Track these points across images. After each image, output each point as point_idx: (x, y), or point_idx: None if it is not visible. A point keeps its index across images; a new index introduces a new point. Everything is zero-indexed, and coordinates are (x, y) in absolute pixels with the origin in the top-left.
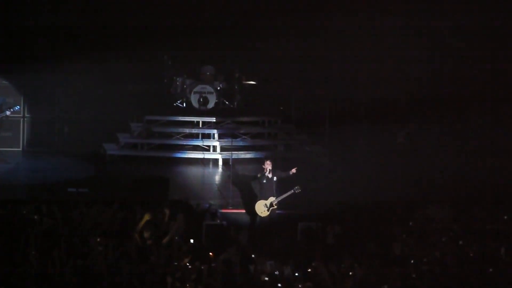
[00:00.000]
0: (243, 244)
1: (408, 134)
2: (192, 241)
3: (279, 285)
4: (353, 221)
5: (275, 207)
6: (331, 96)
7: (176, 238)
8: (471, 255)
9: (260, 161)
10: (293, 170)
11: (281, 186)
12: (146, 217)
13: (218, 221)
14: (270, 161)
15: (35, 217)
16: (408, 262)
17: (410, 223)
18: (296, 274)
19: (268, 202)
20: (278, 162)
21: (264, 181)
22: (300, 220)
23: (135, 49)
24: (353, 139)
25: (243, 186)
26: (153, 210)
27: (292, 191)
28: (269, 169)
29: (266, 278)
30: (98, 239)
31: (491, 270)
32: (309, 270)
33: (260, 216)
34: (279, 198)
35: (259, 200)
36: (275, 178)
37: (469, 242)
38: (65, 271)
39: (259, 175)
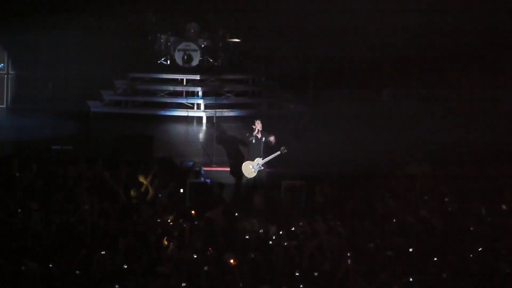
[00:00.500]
0: (226, 202)
1: (392, 93)
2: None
3: (263, 243)
4: (336, 181)
5: (262, 168)
6: (316, 54)
7: (160, 195)
8: (453, 212)
9: (243, 119)
10: (271, 138)
11: (267, 147)
12: (141, 179)
13: (202, 179)
14: (260, 120)
15: (17, 174)
16: (391, 221)
17: (393, 182)
18: (281, 232)
19: (255, 163)
20: (263, 121)
21: (253, 141)
22: (283, 179)
23: (119, 5)
24: (337, 98)
25: (228, 144)
26: (136, 168)
27: (279, 152)
28: (259, 129)
29: (247, 237)
30: (82, 196)
31: (472, 228)
32: (293, 228)
33: (246, 177)
34: (266, 159)
35: (246, 160)
36: (263, 139)
37: (452, 200)
38: (49, 228)
39: (247, 134)
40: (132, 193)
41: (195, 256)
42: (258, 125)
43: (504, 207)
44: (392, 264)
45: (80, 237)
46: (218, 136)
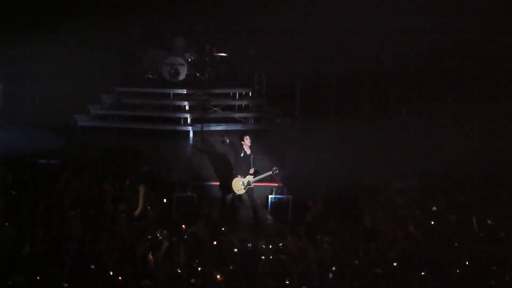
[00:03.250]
0: (213, 217)
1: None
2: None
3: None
4: (324, 196)
5: (252, 186)
6: (303, 69)
7: (148, 208)
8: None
9: (230, 134)
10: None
11: (258, 164)
12: (142, 189)
13: (189, 193)
14: (250, 136)
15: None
16: (378, 236)
17: (380, 197)
18: (270, 246)
19: (245, 180)
20: (251, 135)
21: (242, 155)
22: (270, 193)
23: (107, 19)
24: (324, 113)
25: (217, 159)
26: (122, 182)
27: (271, 172)
28: (248, 145)
29: (236, 250)
30: (69, 210)
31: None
32: (280, 244)
33: (235, 193)
34: (257, 178)
35: (236, 176)
36: (252, 156)
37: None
38: (35, 240)
39: (236, 148)
40: (120, 207)
41: (180, 270)
42: (246, 141)
43: (489, 221)
44: (380, 280)
45: (66, 250)
46: (206, 150)
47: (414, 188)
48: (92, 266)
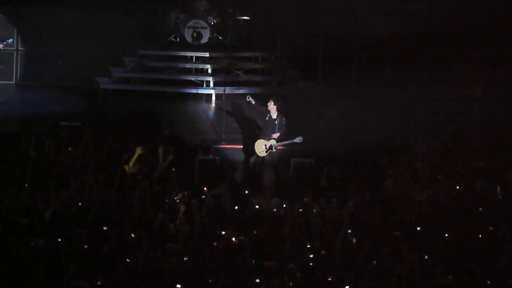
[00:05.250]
0: (236, 180)
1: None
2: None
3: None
4: (345, 160)
5: (274, 150)
6: (325, 32)
7: (172, 171)
8: (463, 193)
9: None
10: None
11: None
12: (138, 151)
13: (211, 156)
14: (274, 102)
15: (29, 152)
16: (399, 200)
17: (400, 161)
18: (292, 210)
19: (268, 143)
20: (275, 99)
21: (267, 118)
22: (293, 156)
23: None
24: (345, 76)
25: (240, 122)
26: (145, 145)
27: (293, 140)
28: (274, 109)
29: (256, 213)
30: (90, 173)
31: (480, 209)
32: (301, 208)
33: (257, 155)
34: (279, 144)
35: (260, 139)
36: (277, 121)
37: (462, 180)
38: (55, 205)
39: (262, 112)
40: (132, 169)
41: (203, 233)
42: (270, 105)
43: (498, 188)
44: (398, 243)
45: (87, 213)
46: (230, 113)
47: (436, 152)
48: (113, 229)
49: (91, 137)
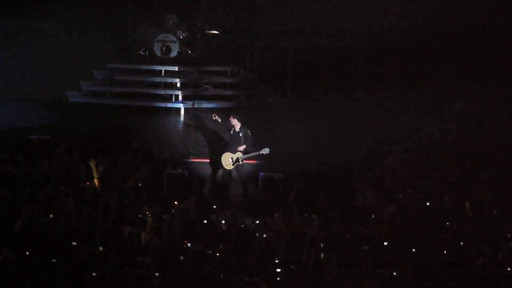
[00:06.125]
0: (203, 194)
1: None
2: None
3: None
4: (314, 174)
5: (241, 163)
6: (293, 46)
7: (139, 185)
8: (432, 207)
9: (221, 111)
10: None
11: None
12: (92, 165)
13: (180, 170)
14: (234, 115)
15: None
16: (368, 214)
17: (369, 175)
18: (257, 222)
19: (234, 156)
20: (240, 113)
21: (232, 132)
22: (261, 170)
23: None
24: (314, 90)
25: (208, 135)
26: (113, 158)
27: (259, 152)
28: (237, 123)
29: (224, 227)
30: (59, 187)
31: (453, 224)
32: (269, 221)
33: (224, 168)
34: (246, 156)
35: (226, 152)
36: (241, 134)
37: (431, 194)
38: (24, 218)
39: (228, 126)
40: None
41: (171, 247)
42: (233, 122)
43: (467, 204)
44: (368, 257)
45: (56, 227)
46: (198, 127)
47: (406, 165)
48: (81, 243)
49: (65, 149)
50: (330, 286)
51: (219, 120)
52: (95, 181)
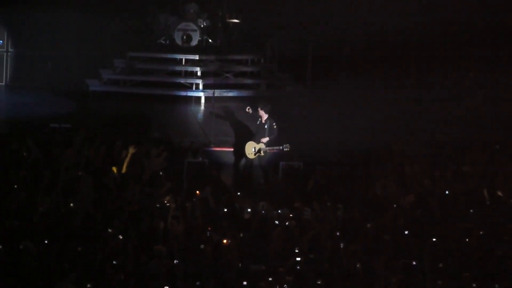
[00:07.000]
0: (224, 183)
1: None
2: None
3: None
4: (334, 163)
5: (262, 154)
6: (315, 36)
7: (161, 173)
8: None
9: (242, 100)
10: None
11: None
12: (131, 150)
13: (200, 159)
14: (261, 107)
15: (24, 153)
16: (389, 203)
17: (389, 164)
18: (280, 213)
19: (257, 146)
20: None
21: (258, 122)
22: (282, 159)
23: None
24: (334, 79)
25: (230, 125)
26: (135, 147)
27: (281, 147)
28: (263, 115)
29: (247, 216)
30: (79, 174)
31: (471, 211)
32: (291, 210)
33: (246, 157)
34: (267, 148)
35: (251, 140)
36: (266, 125)
37: (452, 182)
38: (44, 207)
39: (256, 115)
40: (115, 172)
41: (191, 235)
42: (260, 113)
43: (499, 193)
44: (388, 247)
45: (75, 215)
46: (223, 116)
47: (424, 155)
48: (101, 231)
49: (83, 138)
50: (351, 276)
51: (250, 111)
52: (116, 169)
